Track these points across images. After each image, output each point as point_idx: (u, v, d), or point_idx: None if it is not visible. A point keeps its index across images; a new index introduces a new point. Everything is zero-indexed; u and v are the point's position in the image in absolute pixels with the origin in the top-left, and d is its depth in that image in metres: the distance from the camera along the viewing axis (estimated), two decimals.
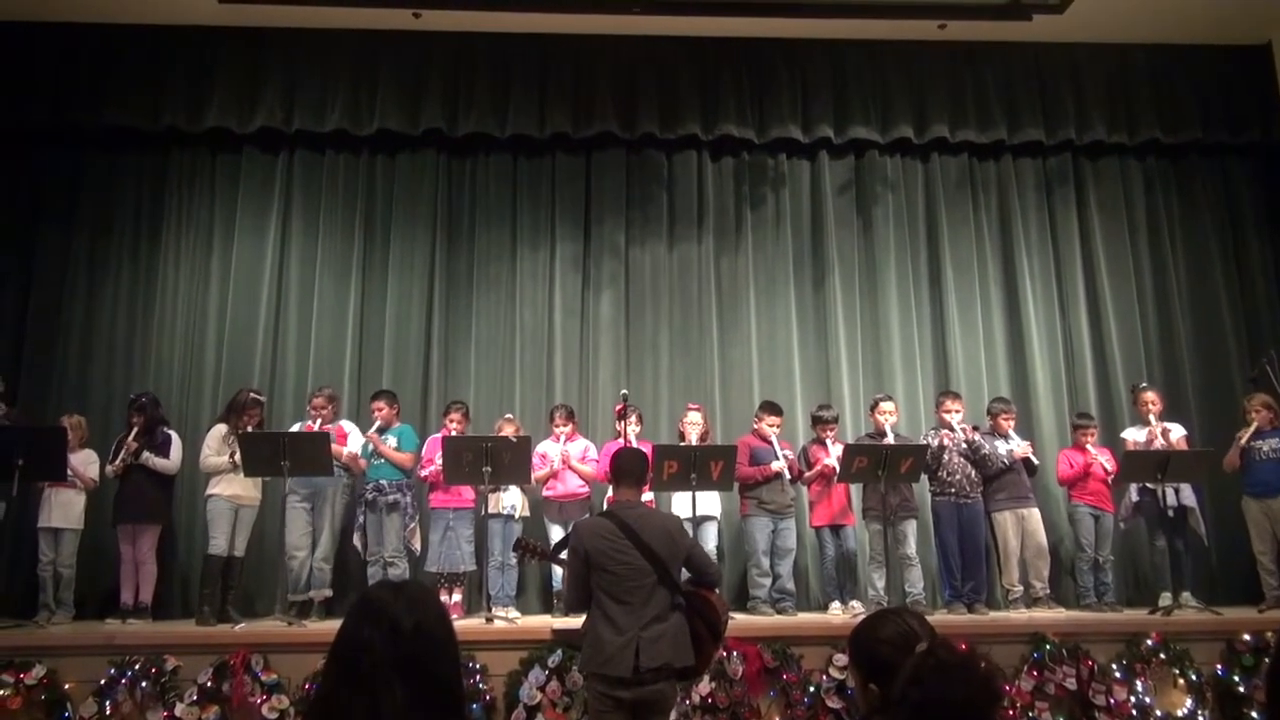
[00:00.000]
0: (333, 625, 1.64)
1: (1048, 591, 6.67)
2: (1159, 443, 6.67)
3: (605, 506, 6.61)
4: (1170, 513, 6.57)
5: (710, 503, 6.69)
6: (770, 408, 6.93)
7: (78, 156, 7.74)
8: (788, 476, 6.69)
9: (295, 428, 6.68)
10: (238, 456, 6.16)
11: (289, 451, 5.90)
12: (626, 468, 4.04)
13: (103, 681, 5.05)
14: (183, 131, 7.62)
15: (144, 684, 5.04)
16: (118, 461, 6.33)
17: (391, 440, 6.63)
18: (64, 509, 6.36)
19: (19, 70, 7.45)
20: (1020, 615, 6.36)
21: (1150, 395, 6.91)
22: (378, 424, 6.62)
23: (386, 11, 7.43)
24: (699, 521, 6.44)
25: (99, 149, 7.74)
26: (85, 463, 6.49)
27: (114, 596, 6.43)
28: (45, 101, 7.45)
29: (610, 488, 6.59)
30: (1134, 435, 6.95)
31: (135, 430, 6.39)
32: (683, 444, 6.63)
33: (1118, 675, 5.38)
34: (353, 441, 6.64)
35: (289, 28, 7.62)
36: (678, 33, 7.82)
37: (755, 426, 6.94)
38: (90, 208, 7.67)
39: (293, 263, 7.75)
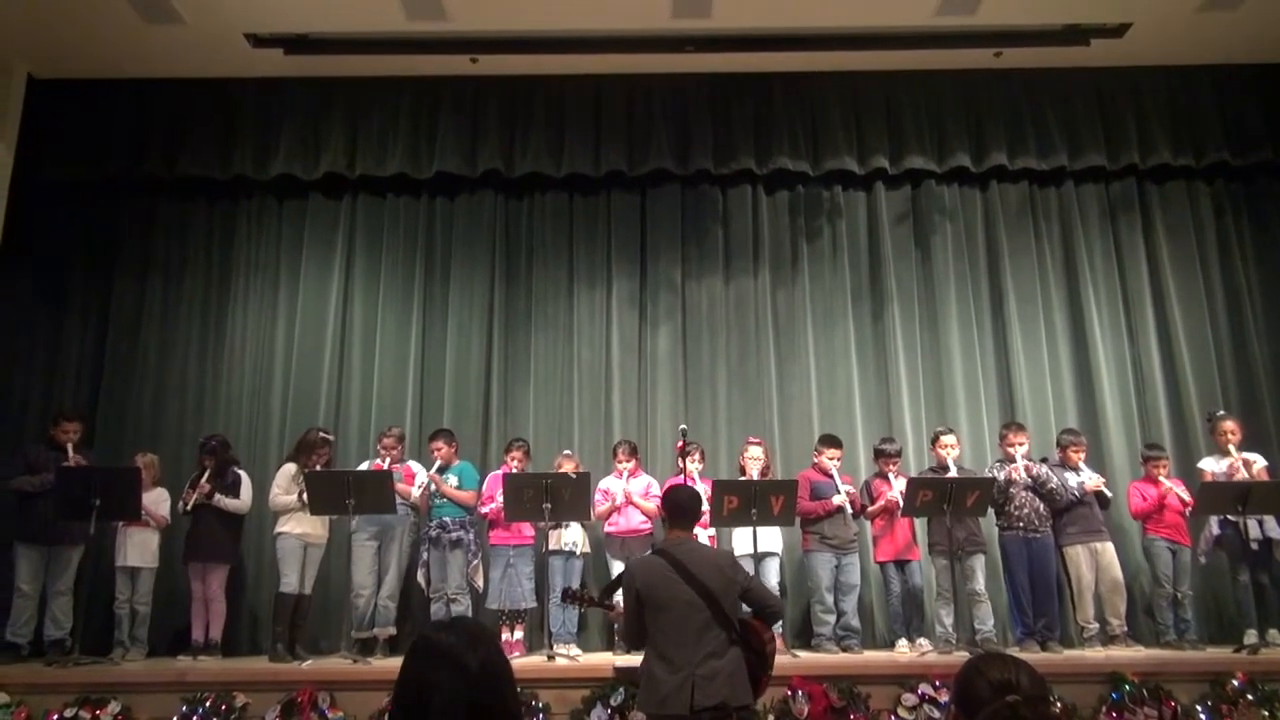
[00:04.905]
0: (397, 663, 1.65)
1: (1125, 629, 6.45)
2: (1241, 474, 6.43)
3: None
4: (1254, 545, 6.31)
5: (772, 538, 6.61)
6: (830, 441, 6.85)
7: (152, 206, 8.04)
8: (850, 511, 6.59)
9: (364, 466, 6.78)
10: (306, 495, 6.27)
11: (354, 490, 5.99)
12: (680, 506, 4.01)
13: (175, 718, 5.15)
14: (251, 180, 7.90)
15: None
16: (190, 503, 6.48)
17: (452, 479, 6.69)
18: (140, 548, 6.52)
19: (99, 125, 7.79)
20: (1097, 653, 6.14)
21: (1229, 424, 6.68)
22: (438, 464, 6.69)
23: (445, 58, 7.65)
24: (760, 558, 6.36)
25: (171, 198, 8.04)
26: (157, 501, 6.66)
27: (185, 633, 6.57)
28: (123, 155, 7.78)
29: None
30: (1212, 466, 6.71)
31: (208, 472, 6.55)
32: (743, 479, 6.58)
33: (1203, 717, 5.15)
34: (417, 484, 6.70)
35: (351, 77, 7.86)
36: (730, 69, 7.88)
37: (815, 460, 6.86)
38: (163, 255, 7.96)
39: (356, 304, 7.93)
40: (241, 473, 6.75)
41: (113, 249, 7.95)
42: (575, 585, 6.37)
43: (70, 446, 6.42)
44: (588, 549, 6.78)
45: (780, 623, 5.37)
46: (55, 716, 5.14)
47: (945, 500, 6.08)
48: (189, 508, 6.49)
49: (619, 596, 4.98)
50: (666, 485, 6.70)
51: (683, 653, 3.61)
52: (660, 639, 3.67)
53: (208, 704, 5.16)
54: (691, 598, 3.67)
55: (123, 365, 7.72)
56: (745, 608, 3.91)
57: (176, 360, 7.77)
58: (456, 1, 7.00)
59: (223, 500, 6.51)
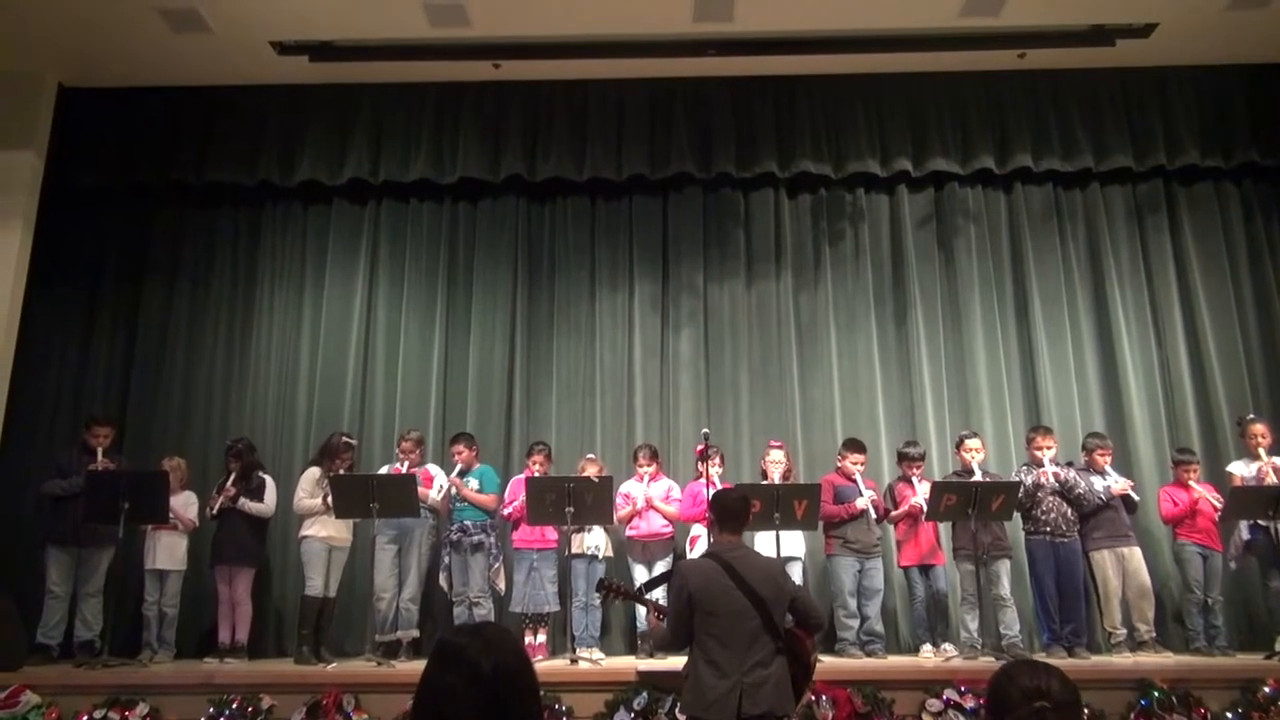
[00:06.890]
0: (420, 666, 1.66)
1: (1153, 634, 6.37)
2: (1271, 478, 6.34)
3: (688, 547, 6.60)
4: None
5: (794, 543, 6.59)
6: (854, 445, 6.82)
7: (179, 212, 8.13)
8: (873, 515, 6.55)
9: (384, 470, 6.82)
10: (330, 499, 6.30)
11: (378, 493, 6.03)
12: (728, 509, 3.95)
13: (202, 719, 5.19)
14: (277, 185, 7.97)
15: None
16: (216, 507, 6.54)
17: (473, 483, 6.70)
18: (169, 551, 6.59)
19: (127, 133, 7.90)
20: (1125, 660, 6.08)
21: (1259, 427, 6.58)
22: (459, 467, 6.71)
23: (468, 64, 7.69)
24: (783, 562, 6.33)
25: (199, 205, 8.13)
26: (185, 504, 6.73)
27: (211, 635, 6.65)
28: (151, 162, 7.88)
29: (692, 528, 6.60)
30: (1241, 470, 6.63)
31: (233, 476, 6.61)
32: (765, 482, 6.56)
33: None
34: (435, 487, 6.73)
35: (375, 83, 7.92)
36: (752, 72, 7.87)
37: (839, 464, 6.83)
38: (191, 260, 8.05)
39: (380, 308, 7.98)
40: (266, 476, 6.81)
41: (141, 255, 8.04)
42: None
43: (100, 450, 6.50)
44: (610, 553, 6.77)
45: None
46: (85, 717, 5.21)
47: (970, 504, 6.04)
48: (215, 511, 6.55)
49: (655, 594, 4.98)
50: (689, 488, 6.72)
51: (732, 659, 3.59)
52: (709, 644, 3.64)
53: (234, 706, 5.21)
54: (744, 604, 3.64)
55: (151, 369, 7.80)
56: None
57: (203, 364, 7.85)
58: (479, 8, 7.03)
59: (247, 504, 6.57)
